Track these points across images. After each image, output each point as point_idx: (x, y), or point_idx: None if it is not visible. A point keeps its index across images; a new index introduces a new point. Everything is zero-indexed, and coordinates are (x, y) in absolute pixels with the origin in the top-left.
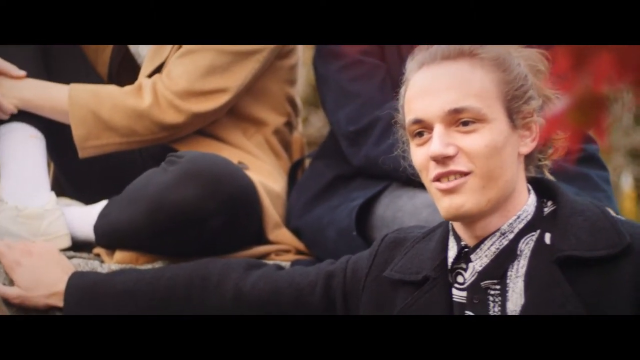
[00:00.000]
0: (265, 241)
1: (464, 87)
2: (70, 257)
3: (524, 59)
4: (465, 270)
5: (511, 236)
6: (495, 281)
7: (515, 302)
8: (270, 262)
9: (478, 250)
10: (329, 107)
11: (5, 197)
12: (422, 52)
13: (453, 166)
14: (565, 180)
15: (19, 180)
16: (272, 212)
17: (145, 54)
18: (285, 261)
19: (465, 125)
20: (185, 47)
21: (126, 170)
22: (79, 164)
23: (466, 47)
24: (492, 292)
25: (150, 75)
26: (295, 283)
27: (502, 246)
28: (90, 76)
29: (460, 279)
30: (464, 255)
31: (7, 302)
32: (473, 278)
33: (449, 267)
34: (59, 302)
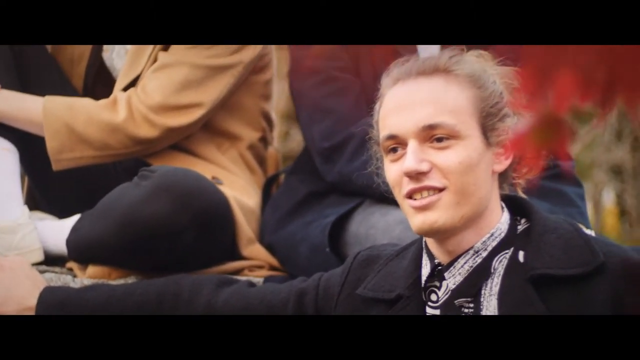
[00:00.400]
0: (238, 257)
1: (438, 103)
2: (42, 272)
3: (500, 76)
4: (438, 288)
5: (485, 254)
6: (469, 299)
7: None
8: (244, 278)
9: (452, 268)
10: (303, 123)
11: None
12: (397, 68)
13: (427, 182)
14: (540, 196)
15: None
16: (246, 227)
17: (120, 67)
18: (258, 277)
19: (439, 142)
20: (160, 61)
21: (100, 184)
22: (53, 177)
23: (441, 63)
24: (465, 310)
25: (125, 89)
26: (266, 300)
27: (476, 264)
28: (66, 88)
29: (433, 297)
30: (438, 273)
31: None
32: (447, 296)
33: (423, 285)
34: None
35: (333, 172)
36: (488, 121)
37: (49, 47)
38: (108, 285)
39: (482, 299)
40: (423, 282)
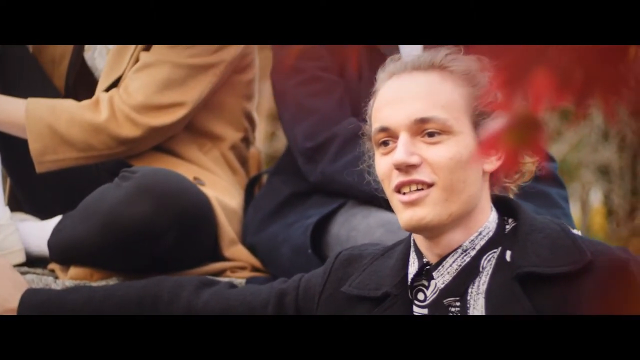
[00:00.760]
0: (220, 258)
1: (431, 97)
2: (24, 273)
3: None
4: (426, 287)
5: (473, 253)
6: (456, 298)
7: None
8: (225, 279)
9: (440, 267)
10: (285, 123)
11: None
12: (392, 63)
13: (416, 175)
14: (524, 197)
15: None
16: (228, 228)
17: (102, 67)
18: (240, 278)
19: (430, 136)
20: (142, 61)
21: (82, 185)
22: (35, 178)
23: (437, 59)
24: (453, 309)
25: (107, 89)
26: (247, 301)
27: (464, 263)
28: (47, 89)
29: (421, 296)
30: (426, 272)
31: None
32: (435, 295)
33: (410, 283)
34: None
35: (316, 172)
36: (480, 119)
37: (30, 48)
38: (89, 286)
39: (469, 298)
40: (410, 280)
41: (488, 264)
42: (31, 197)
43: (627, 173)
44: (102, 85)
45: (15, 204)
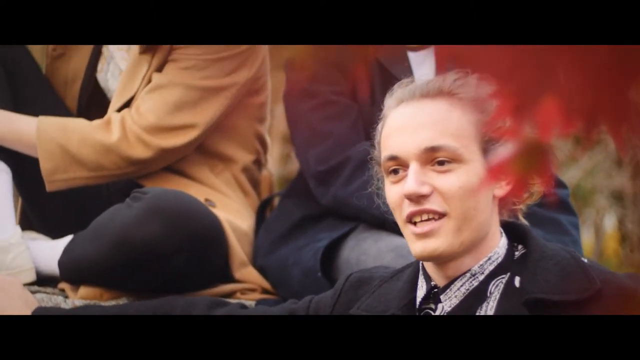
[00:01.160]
0: (231, 279)
1: (441, 126)
2: (34, 292)
3: (491, 99)
4: (434, 310)
5: (482, 277)
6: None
7: None
8: (235, 300)
9: (448, 290)
10: (298, 146)
11: None
12: (400, 89)
13: (427, 205)
14: (534, 223)
15: None
16: (239, 250)
17: (115, 88)
18: (250, 300)
19: (441, 165)
20: (154, 82)
21: (93, 205)
22: (46, 197)
23: (445, 85)
24: None
25: (119, 110)
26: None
27: (472, 287)
28: (59, 109)
29: None
30: (433, 296)
31: None
32: None
33: (417, 306)
34: None
35: (328, 196)
36: (489, 146)
37: (43, 68)
38: (100, 306)
39: None
40: (418, 303)
41: (496, 290)
42: (42, 216)
43: None
44: (114, 105)
45: (26, 223)
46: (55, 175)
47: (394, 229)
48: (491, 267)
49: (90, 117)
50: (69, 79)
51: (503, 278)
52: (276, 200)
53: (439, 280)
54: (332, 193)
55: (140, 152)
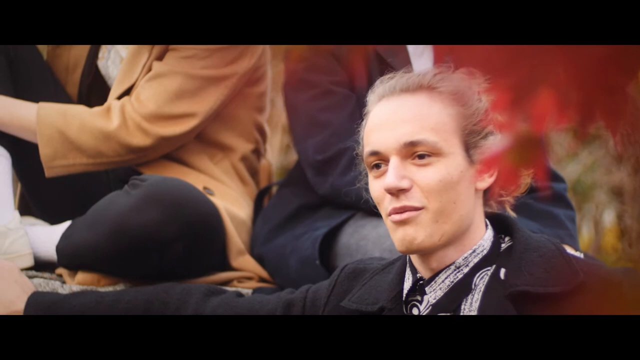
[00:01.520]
0: (228, 267)
1: (420, 120)
2: (31, 277)
3: (486, 93)
4: (420, 302)
5: (466, 270)
6: (448, 314)
7: None
8: (232, 288)
9: (432, 282)
10: (296, 136)
11: None
12: (382, 85)
13: (406, 201)
14: (531, 217)
15: None
16: (236, 238)
17: (115, 75)
18: (247, 288)
19: (421, 159)
20: (154, 71)
21: (92, 191)
22: (46, 183)
23: (425, 80)
24: None
25: (119, 97)
26: (254, 310)
27: (457, 280)
28: (60, 95)
29: (415, 310)
30: (419, 288)
31: None
32: (427, 310)
33: (404, 298)
34: None
35: (325, 185)
36: (471, 139)
37: (44, 55)
38: (96, 291)
39: (461, 315)
40: (404, 295)
41: (480, 282)
42: (41, 202)
43: None
44: (114, 93)
45: (25, 208)
46: (55, 161)
47: None
48: (476, 260)
49: (90, 104)
50: (70, 66)
51: (488, 270)
52: (274, 190)
53: (424, 272)
54: (330, 182)
55: (139, 139)
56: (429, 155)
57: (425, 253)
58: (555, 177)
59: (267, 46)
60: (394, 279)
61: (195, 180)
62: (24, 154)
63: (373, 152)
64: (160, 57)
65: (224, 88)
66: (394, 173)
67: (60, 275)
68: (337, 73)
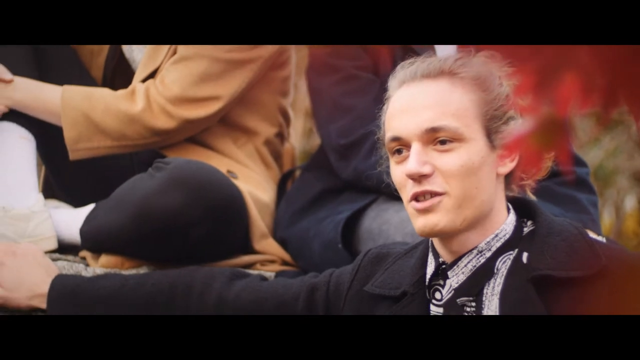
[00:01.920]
0: (251, 251)
1: (442, 106)
2: (55, 260)
3: (507, 77)
4: (442, 286)
5: (488, 254)
6: (471, 298)
7: None
8: (255, 272)
9: (455, 267)
10: (320, 120)
11: None
12: (403, 70)
13: (428, 186)
14: (553, 201)
15: (7, 181)
16: (259, 222)
17: (140, 59)
18: (270, 272)
19: (442, 144)
20: (179, 54)
21: (116, 175)
22: (70, 166)
23: (446, 65)
24: (467, 309)
25: (144, 81)
26: (278, 294)
27: (479, 264)
28: (84, 79)
29: (437, 295)
30: (441, 272)
31: None
32: (449, 295)
33: (427, 283)
34: (41, 303)
35: (348, 169)
36: (492, 124)
37: None
38: (121, 274)
39: (484, 299)
40: (427, 280)
41: (503, 266)
42: (65, 185)
43: None
44: (139, 76)
45: (49, 191)
46: (79, 144)
47: None
48: (498, 244)
49: (115, 87)
50: (94, 50)
51: (510, 254)
52: (297, 174)
53: (446, 256)
54: (353, 167)
55: (163, 122)
56: (450, 141)
57: (447, 237)
58: (578, 162)
59: None
60: (416, 263)
61: (219, 163)
62: (49, 137)
63: (394, 138)
64: None
65: (248, 71)
66: (416, 159)
67: (83, 258)
68: (361, 57)
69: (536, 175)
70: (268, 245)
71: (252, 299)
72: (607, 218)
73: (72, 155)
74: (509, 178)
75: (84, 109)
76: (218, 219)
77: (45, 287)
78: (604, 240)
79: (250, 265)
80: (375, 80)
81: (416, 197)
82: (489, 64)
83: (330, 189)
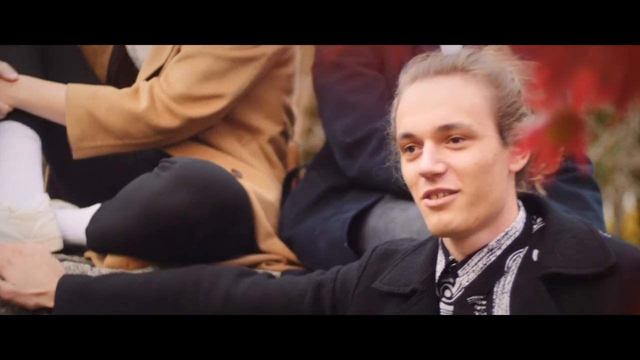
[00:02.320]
0: (256, 250)
1: (455, 103)
2: (61, 260)
3: (518, 72)
4: (452, 284)
5: (499, 252)
6: (481, 297)
7: None
8: (261, 271)
9: (465, 265)
10: (326, 118)
11: None
12: (415, 65)
13: (442, 184)
14: (558, 198)
15: (13, 181)
16: (264, 221)
17: (144, 57)
18: (275, 271)
19: (455, 142)
20: (183, 52)
21: (121, 174)
22: (74, 165)
23: (459, 62)
24: (478, 307)
25: (148, 79)
26: (285, 292)
27: (490, 262)
28: (88, 77)
29: (447, 293)
30: (452, 270)
31: None
32: (460, 293)
33: (437, 280)
34: (48, 302)
35: (354, 167)
36: (505, 121)
37: None
38: (127, 274)
39: (494, 297)
40: (437, 277)
41: (513, 263)
42: (70, 185)
43: None
44: (143, 74)
45: (54, 192)
46: (83, 143)
47: None
48: (508, 242)
49: (119, 86)
50: (98, 48)
51: (521, 252)
52: (302, 172)
53: (456, 254)
54: (359, 165)
55: (167, 121)
56: (463, 139)
57: (459, 236)
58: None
59: None
60: (425, 260)
61: (224, 162)
62: (53, 137)
63: (406, 135)
64: None
65: (252, 69)
66: (429, 157)
67: (89, 259)
68: (367, 55)
69: (547, 171)
70: (273, 245)
71: (260, 296)
72: (605, 216)
73: (76, 154)
74: (519, 175)
75: (88, 107)
76: (224, 219)
77: (52, 286)
78: (610, 237)
79: (255, 265)
80: (381, 77)
81: (429, 195)
82: (501, 60)
83: (335, 188)
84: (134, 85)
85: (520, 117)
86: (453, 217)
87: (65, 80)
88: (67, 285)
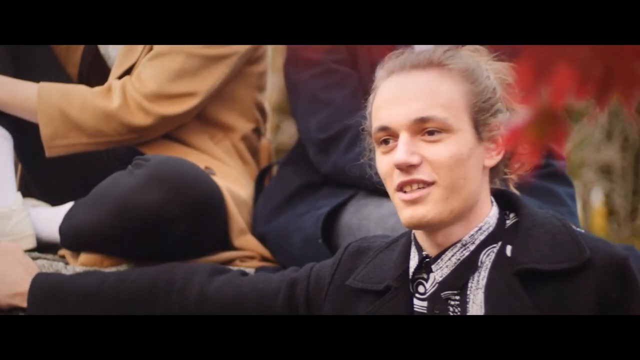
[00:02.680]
0: (230, 247)
1: (431, 96)
2: (34, 258)
3: (494, 71)
4: (426, 280)
5: (472, 247)
6: (455, 292)
7: (475, 314)
8: (235, 268)
9: (439, 260)
10: (298, 115)
11: None
12: (391, 60)
13: (417, 175)
14: (531, 194)
15: None
16: (238, 218)
17: (116, 55)
18: (250, 268)
19: (430, 135)
20: (155, 50)
21: (93, 172)
22: (47, 164)
23: (435, 57)
24: (452, 302)
25: (120, 77)
26: (258, 289)
27: (463, 257)
28: (60, 76)
29: (421, 288)
30: (425, 265)
31: None
32: (433, 288)
33: (410, 276)
34: (22, 302)
35: (328, 164)
36: (480, 116)
37: None
38: (101, 272)
39: (468, 292)
40: (411, 273)
41: (487, 259)
42: (42, 183)
43: (629, 173)
44: (115, 72)
45: (26, 190)
46: (55, 141)
47: None
48: (482, 237)
49: (91, 84)
50: (70, 47)
51: (494, 247)
52: (275, 169)
53: (430, 250)
54: (332, 161)
55: (140, 119)
56: (438, 132)
57: (433, 229)
58: (555, 154)
59: None
60: (399, 257)
61: (197, 160)
62: (25, 135)
63: (382, 128)
64: None
65: (225, 67)
66: (404, 149)
67: (63, 257)
68: (339, 51)
69: (519, 170)
70: (247, 242)
71: (233, 293)
72: None
73: (49, 152)
74: (493, 171)
75: (60, 105)
76: (197, 216)
77: (25, 286)
78: (583, 232)
79: (229, 262)
80: (354, 74)
81: (402, 188)
82: (477, 56)
83: (309, 184)
84: (106, 84)
85: (495, 113)
86: (427, 210)
87: (37, 79)
88: (40, 286)
